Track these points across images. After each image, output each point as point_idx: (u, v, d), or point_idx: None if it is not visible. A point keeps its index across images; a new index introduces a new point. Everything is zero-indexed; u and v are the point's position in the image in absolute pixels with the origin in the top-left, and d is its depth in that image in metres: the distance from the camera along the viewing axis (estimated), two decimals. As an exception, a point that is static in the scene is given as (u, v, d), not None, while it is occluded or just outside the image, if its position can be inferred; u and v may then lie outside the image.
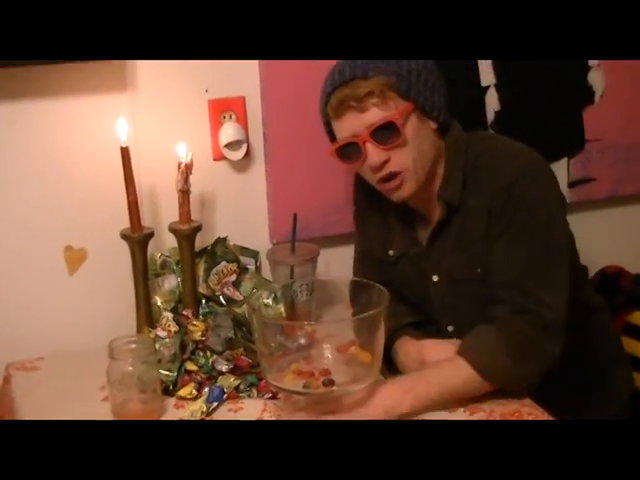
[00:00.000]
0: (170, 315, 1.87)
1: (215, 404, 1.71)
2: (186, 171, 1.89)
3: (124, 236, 1.91)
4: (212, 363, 1.79)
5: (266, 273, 2.12)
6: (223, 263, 2.03)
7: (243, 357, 1.81)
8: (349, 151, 1.72)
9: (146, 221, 1.97)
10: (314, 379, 1.61)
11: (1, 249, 1.96)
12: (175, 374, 1.77)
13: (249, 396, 1.75)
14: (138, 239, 1.90)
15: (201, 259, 2.02)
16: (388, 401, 1.63)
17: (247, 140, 2.08)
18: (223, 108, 2.06)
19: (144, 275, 1.93)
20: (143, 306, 1.93)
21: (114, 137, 1.87)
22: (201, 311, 1.93)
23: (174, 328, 1.84)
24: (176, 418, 1.69)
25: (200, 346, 1.82)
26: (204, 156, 2.04)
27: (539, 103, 2.32)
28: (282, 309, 1.87)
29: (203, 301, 1.97)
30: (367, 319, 1.58)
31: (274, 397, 1.72)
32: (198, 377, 1.78)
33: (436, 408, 1.64)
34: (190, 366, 1.79)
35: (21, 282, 1.99)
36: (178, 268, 1.99)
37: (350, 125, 1.69)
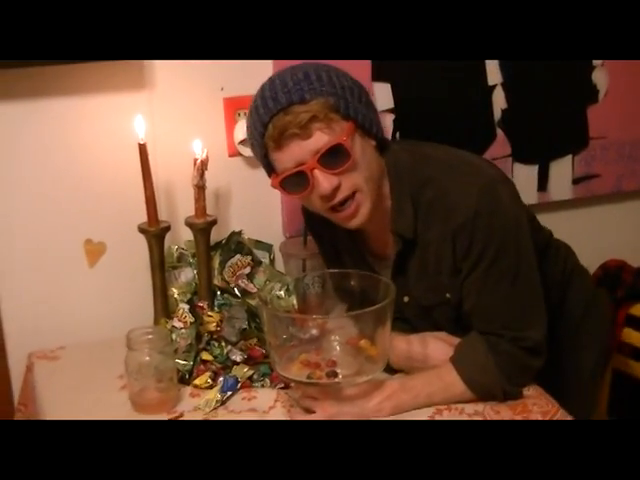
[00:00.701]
0: (186, 306, 1.86)
1: (229, 393, 1.70)
2: (202, 167, 1.88)
3: (142, 230, 1.90)
4: (226, 353, 1.78)
5: (279, 266, 2.11)
6: (237, 256, 2.01)
7: (257, 347, 1.80)
8: (294, 181, 1.57)
9: (163, 215, 1.96)
10: (319, 370, 1.60)
11: (25, 243, 1.95)
12: (191, 364, 1.77)
13: (262, 386, 1.74)
14: (155, 233, 1.89)
15: (216, 252, 2.01)
16: (369, 404, 1.60)
17: (261, 137, 2.06)
18: (238, 106, 2.04)
19: (161, 267, 1.92)
20: (160, 298, 1.92)
21: (132, 134, 1.86)
22: (216, 303, 1.92)
23: (190, 319, 1.83)
24: (192, 407, 1.68)
25: (215, 337, 1.81)
26: (219, 152, 2.03)
27: (544, 102, 2.30)
28: (294, 301, 1.85)
29: (218, 293, 1.95)
30: (373, 313, 1.56)
31: (286, 387, 1.71)
32: (213, 367, 1.77)
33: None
34: (205, 356, 1.79)
35: (43, 275, 1.98)
36: (194, 261, 1.98)
37: (294, 154, 1.54)
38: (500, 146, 2.24)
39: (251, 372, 1.75)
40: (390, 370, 1.71)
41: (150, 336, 1.70)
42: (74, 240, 1.99)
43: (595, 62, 2.31)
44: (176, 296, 1.95)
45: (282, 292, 1.83)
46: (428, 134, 1.77)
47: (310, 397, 1.61)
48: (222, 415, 1.65)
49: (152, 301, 1.93)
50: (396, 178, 1.64)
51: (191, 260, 2.00)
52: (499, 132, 2.26)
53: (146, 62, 1.94)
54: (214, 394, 1.68)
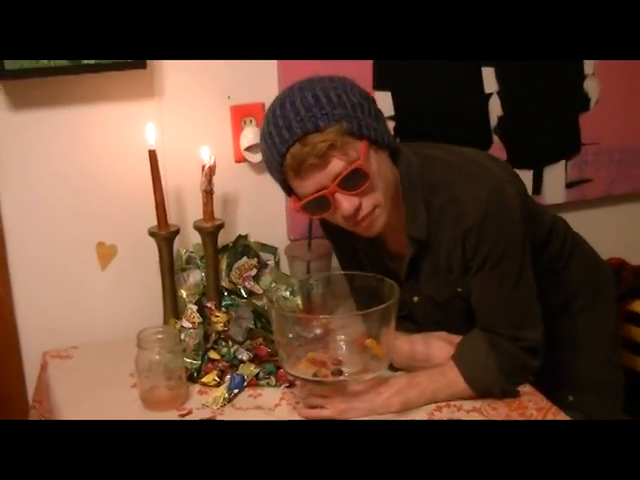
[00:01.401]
0: (194, 307, 1.85)
1: (236, 391, 1.69)
2: (209, 173, 1.88)
3: (152, 233, 1.90)
4: (233, 352, 1.77)
5: (284, 268, 2.10)
6: (244, 258, 2.00)
7: (262, 347, 1.79)
8: (316, 204, 1.55)
9: (172, 219, 1.95)
10: (325, 368, 1.58)
11: (39, 246, 1.95)
12: (199, 362, 1.76)
13: (268, 384, 1.72)
14: (165, 236, 1.89)
15: (224, 255, 2.00)
16: (378, 399, 1.58)
17: (266, 144, 2.04)
18: (244, 113, 2.03)
19: (170, 270, 1.91)
20: (169, 299, 1.91)
21: (143, 141, 1.86)
22: (223, 303, 1.91)
23: (198, 319, 1.82)
24: (200, 404, 1.67)
25: (222, 336, 1.80)
26: (226, 158, 2.02)
27: (539, 109, 2.29)
28: (299, 302, 1.84)
29: (225, 294, 1.95)
30: (377, 313, 1.54)
31: (291, 386, 1.70)
32: (220, 365, 1.76)
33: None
34: (213, 355, 1.78)
35: (57, 277, 1.97)
36: (202, 263, 1.97)
37: (314, 181, 1.52)
38: (496, 152, 2.23)
39: (257, 370, 1.73)
40: (392, 369, 1.69)
41: (160, 336, 1.69)
42: (87, 243, 1.98)
43: (587, 71, 2.30)
44: (185, 297, 1.95)
45: (287, 293, 1.83)
46: (428, 140, 1.76)
47: (320, 395, 1.60)
48: (229, 412, 1.64)
49: (162, 302, 1.92)
50: (409, 183, 1.62)
51: (199, 262, 1.99)
52: (495, 138, 2.25)
53: (156, 72, 1.94)
54: (221, 392, 1.67)
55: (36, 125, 1.88)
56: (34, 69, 1.76)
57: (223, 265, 1.98)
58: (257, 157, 2.04)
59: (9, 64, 1.75)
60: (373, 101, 1.59)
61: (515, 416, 1.58)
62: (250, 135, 2.02)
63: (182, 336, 1.77)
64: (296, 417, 1.61)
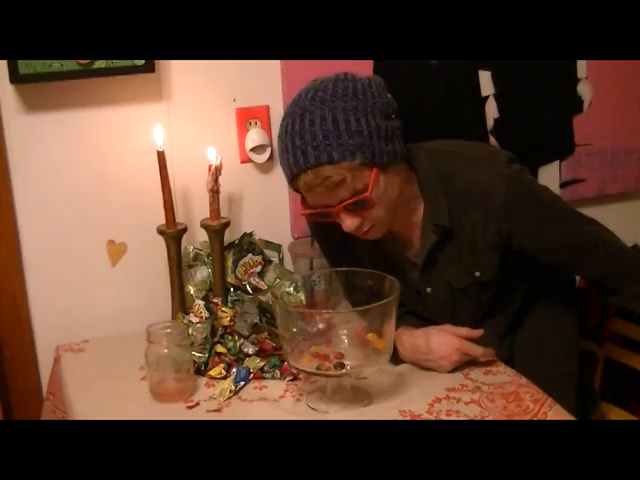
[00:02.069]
0: (202, 303, 1.84)
1: (242, 383, 1.68)
2: (216, 173, 1.87)
3: (160, 231, 1.89)
4: (239, 346, 1.76)
5: (288, 264, 2.10)
6: (249, 255, 2.00)
7: (267, 341, 1.78)
8: (320, 215, 1.59)
9: (180, 218, 1.95)
10: (327, 361, 1.58)
11: (52, 244, 1.94)
12: (206, 356, 1.75)
13: (272, 377, 1.71)
14: (173, 234, 1.88)
15: (229, 252, 1.99)
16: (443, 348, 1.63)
17: (271, 144, 2.04)
18: (249, 116, 2.02)
19: (178, 267, 1.91)
20: (177, 294, 1.91)
21: (151, 142, 1.86)
22: (229, 299, 1.90)
23: (205, 314, 1.82)
24: (207, 396, 1.66)
25: (229, 331, 1.79)
26: (232, 159, 2.02)
27: (533, 112, 2.28)
28: (302, 297, 1.83)
29: (231, 290, 1.94)
30: (378, 308, 1.53)
31: (295, 378, 1.69)
32: (227, 359, 1.75)
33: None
34: (219, 349, 1.77)
35: (69, 273, 1.97)
36: (209, 260, 1.97)
37: (321, 200, 1.53)
38: (492, 153, 2.22)
39: (262, 364, 1.73)
40: (394, 362, 1.69)
41: (168, 330, 1.68)
42: (97, 241, 1.98)
43: (580, 75, 2.29)
44: (192, 293, 1.94)
45: (291, 289, 1.81)
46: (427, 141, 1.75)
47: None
48: (235, 404, 1.63)
49: (170, 298, 1.91)
50: (425, 177, 1.62)
51: (206, 259, 1.98)
52: (491, 140, 2.24)
53: (164, 75, 1.93)
54: (228, 384, 1.67)
55: (48, 127, 1.88)
56: (47, 73, 1.76)
57: (229, 262, 1.97)
58: (262, 158, 2.04)
59: (23, 68, 1.74)
60: (393, 109, 1.54)
61: (512, 407, 1.56)
62: (255, 136, 2.01)
63: (190, 331, 1.77)
64: (300, 409, 1.60)
